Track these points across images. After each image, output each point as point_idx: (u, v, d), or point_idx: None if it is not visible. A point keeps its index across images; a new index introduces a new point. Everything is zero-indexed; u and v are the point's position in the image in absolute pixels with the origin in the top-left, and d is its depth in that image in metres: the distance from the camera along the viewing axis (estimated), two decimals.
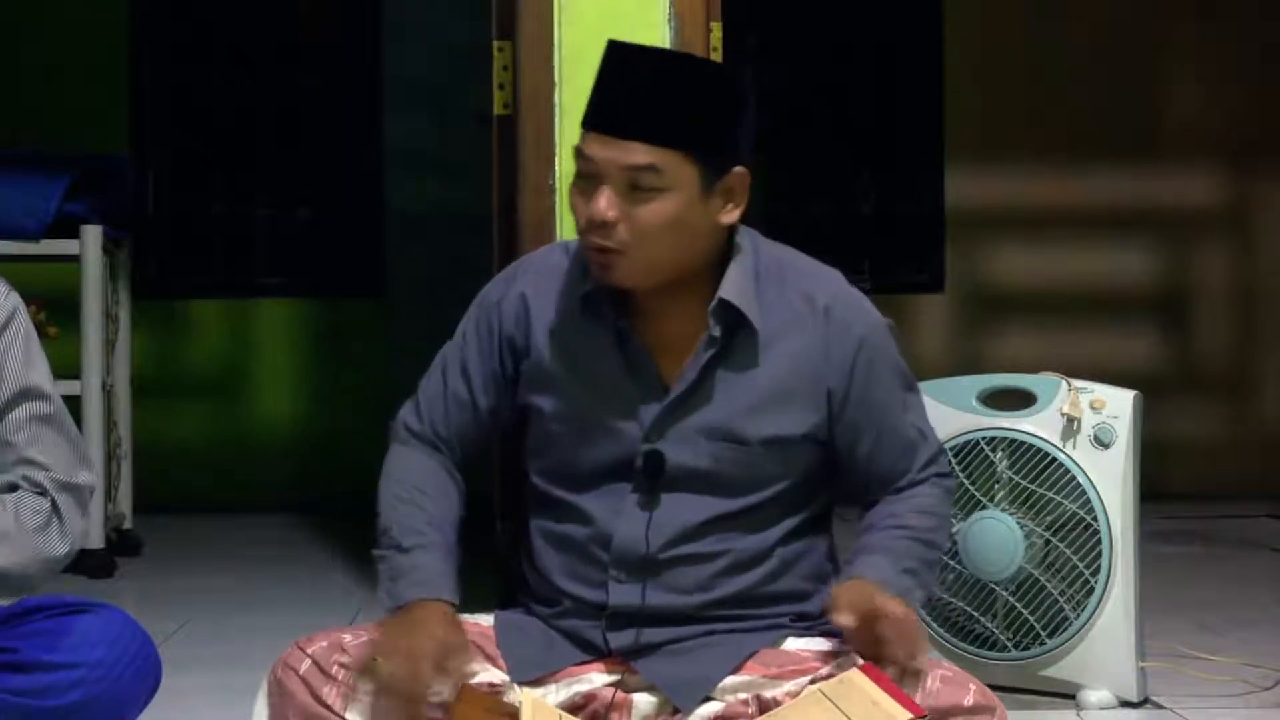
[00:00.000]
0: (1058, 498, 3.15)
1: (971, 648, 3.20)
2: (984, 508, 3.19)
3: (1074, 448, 3.15)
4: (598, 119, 2.22)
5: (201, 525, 6.06)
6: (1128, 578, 3.12)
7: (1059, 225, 6.96)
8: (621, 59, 2.24)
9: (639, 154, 2.17)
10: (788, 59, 6.98)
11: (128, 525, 5.37)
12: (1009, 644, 3.18)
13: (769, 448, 2.27)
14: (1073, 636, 3.13)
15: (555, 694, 2.24)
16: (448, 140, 6.63)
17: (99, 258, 4.93)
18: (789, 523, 2.31)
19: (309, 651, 2.20)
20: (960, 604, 3.22)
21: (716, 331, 2.25)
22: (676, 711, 2.22)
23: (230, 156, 6.91)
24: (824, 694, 2.07)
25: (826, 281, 2.34)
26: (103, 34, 6.76)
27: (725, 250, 2.28)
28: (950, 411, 3.19)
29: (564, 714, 2.17)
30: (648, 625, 2.24)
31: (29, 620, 2.30)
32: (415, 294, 6.72)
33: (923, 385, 2.51)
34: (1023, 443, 3.18)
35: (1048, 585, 3.15)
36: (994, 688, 2.24)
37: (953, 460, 3.11)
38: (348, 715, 2.15)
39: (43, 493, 2.30)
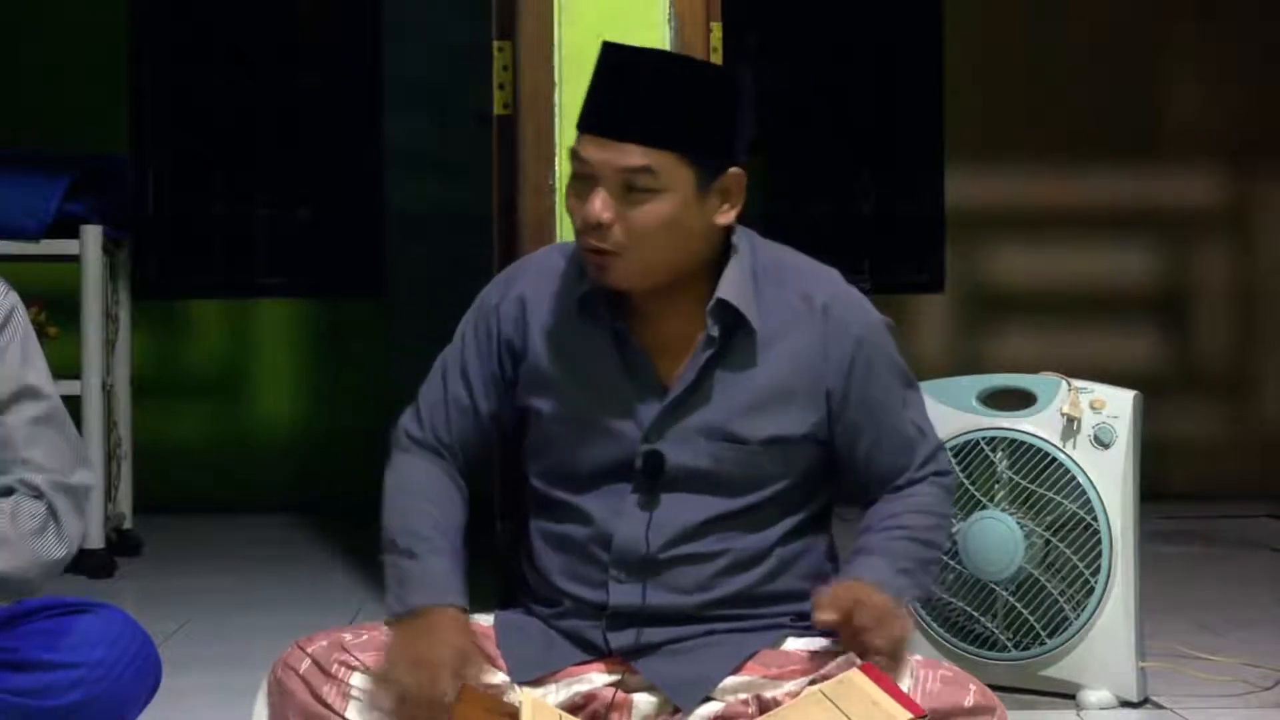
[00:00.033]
0: (1058, 498, 3.14)
1: (971, 648, 3.20)
2: (984, 508, 3.18)
3: (1074, 448, 3.14)
4: (592, 121, 2.22)
5: (201, 525, 6.06)
6: (1128, 578, 3.12)
7: (1059, 225, 6.95)
8: (616, 61, 2.24)
9: (634, 156, 2.17)
10: (788, 59, 6.98)
11: (128, 525, 5.37)
12: (1009, 644, 3.17)
13: (768, 447, 2.27)
14: (1073, 636, 3.13)
15: (555, 694, 2.24)
16: (448, 140, 6.62)
17: (99, 258, 4.93)
18: (789, 522, 2.31)
19: (309, 651, 2.20)
20: (960, 604, 3.21)
21: (715, 332, 2.25)
22: (677, 711, 2.22)
23: (230, 156, 6.91)
24: (824, 694, 2.07)
25: (824, 281, 2.34)
26: (103, 34, 6.75)
27: (723, 251, 2.28)
28: (950, 411, 3.19)
29: (564, 714, 2.17)
30: (648, 625, 2.24)
31: (29, 620, 2.30)
32: (415, 294, 6.71)
33: (923, 385, 2.51)
34: (1023, 443, 3.17)
35: (1048, 585, 3.15)
36: (994, 688, 2.24)
37: (953, 460, 3.11)
38: (348, 714, 2.15)
39: (39, 495, 2.29)
